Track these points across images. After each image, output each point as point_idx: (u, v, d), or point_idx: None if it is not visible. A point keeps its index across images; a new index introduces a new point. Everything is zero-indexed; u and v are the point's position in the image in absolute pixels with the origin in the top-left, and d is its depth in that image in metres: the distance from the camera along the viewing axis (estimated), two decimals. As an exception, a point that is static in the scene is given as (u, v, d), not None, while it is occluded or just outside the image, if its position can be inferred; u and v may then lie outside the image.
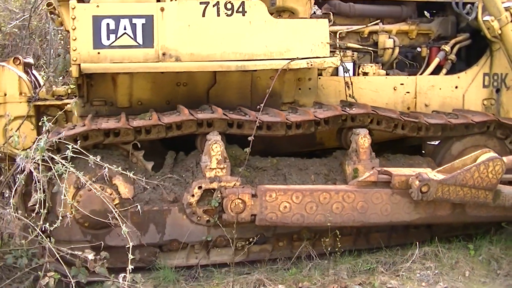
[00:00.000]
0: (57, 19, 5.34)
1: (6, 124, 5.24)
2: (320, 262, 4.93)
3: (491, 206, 4.85)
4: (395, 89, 5.68)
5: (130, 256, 4.03)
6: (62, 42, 5.78)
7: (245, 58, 4.91)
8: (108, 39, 4.78)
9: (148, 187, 4.70)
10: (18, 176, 4.56)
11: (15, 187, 4.49)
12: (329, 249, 4.96)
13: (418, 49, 5.93)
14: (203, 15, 4.85)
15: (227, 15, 4.88)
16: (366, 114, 4.99)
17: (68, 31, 5.21)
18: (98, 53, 4.78)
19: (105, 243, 4.60)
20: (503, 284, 4.60)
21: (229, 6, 4.88)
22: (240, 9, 4.89)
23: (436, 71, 5.84)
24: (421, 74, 5.80)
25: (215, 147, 4.72)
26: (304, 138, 5.34)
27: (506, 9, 5.42)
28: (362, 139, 4.96)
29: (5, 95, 5.27)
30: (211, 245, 4.88)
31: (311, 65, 5.00)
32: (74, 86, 5.54)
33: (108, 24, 4.77)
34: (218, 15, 4.87)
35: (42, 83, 5.69)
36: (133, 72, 4.90)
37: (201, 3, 4.84)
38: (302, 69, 5.18)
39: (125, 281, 4.32)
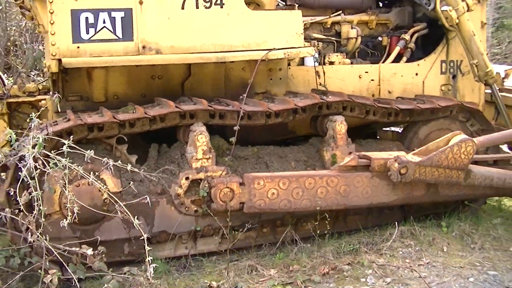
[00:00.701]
0: (28, 14, 5.20)
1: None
2: (304, 246, 5.08)
3: (462, 185, 5.15)
4: (360, 77, 5.90)
5: (147, 248, 4.00)
6: (28, 36, 5.61)
7: (224, 50, 4.97)
8: (88, 33, 4.72)
9: (133, 182, 4.69)
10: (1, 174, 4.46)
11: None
12: (311, 233, 5.14)
13: (379, 38, 6.17)
14: (182, 8, 4.87)
15: (206, 8, 4.92)
16: (342, 102, 5.18)
17: (39, 25, 5.11)
18: (78, 47, 4.70)
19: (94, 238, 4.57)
20: (479, 256, 4.91)
21: (207, -2, 4.94)
22: (218, 1, 4.94)
23: (396, 60, 6.10)
24: (383, 62, 6.05)
25: (200, 138, 4.77)
26: (278, 127, 5.47)
27: (462, -1, 5.77)
28: (339, 126, 5.15)
29: (-25, 94, 5.11)
30: (199, 235, 4.93)
31: (288, 55, 5.14)
32: (45, 83, 5.44)
33: (87, 17, 4.70)
34: (197, 7, 4.90)
35: (5, 81, 5.53)
36: (115, 65, 4.85)
37: (180, -5, 4.88)
38: (273, 59, 5.31)
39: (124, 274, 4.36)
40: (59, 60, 4.68)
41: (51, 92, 5.22)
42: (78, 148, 4.19)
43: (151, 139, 5.14)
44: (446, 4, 5.77)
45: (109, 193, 4.32)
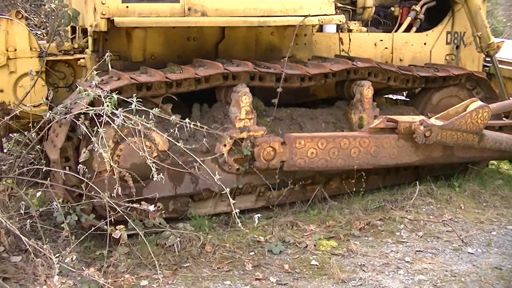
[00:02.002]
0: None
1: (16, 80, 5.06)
2: (333, 204, 5.40)
3: (475, 148, 5.59)
4: (375, 45, 6.21)
5: (232, 201, 4.17)
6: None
7: (265, 14, 5.14)
8: (137, -7, 4.79)
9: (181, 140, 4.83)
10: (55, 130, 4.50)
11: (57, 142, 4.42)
12: (338, 191, 5.50)
13: (392, 8, 6.48)
14: (228, -28, 5.00)
15: (249, -28, 5.07)
16: (371, 68, 5.48)
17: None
18: (127, 7, 4.77)
19: (143, 195, 4.70)
20: (494, 213, 5.38)
21: (250, -37, 5.07)
22: (260, -33, 5.10)
23: (406, 29, 6.43)
24: (395, 31, 6.37)
25: (244, 99, 4.96)
26: (301, 91, 5.71)
27: (472, -25, 6.15)
28: (367, 90, 5.45)
29: (15, 50, 5.03)
30: (238, 193, 5.14)
31: (322, 21, 5.37)
32: (81, 42, 5.43)
33: (137, -23, 4.77)
34: (242, -29, 5.04)
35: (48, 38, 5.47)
36: (163, 26, 4.94)
37: (227, -42, 4.99)
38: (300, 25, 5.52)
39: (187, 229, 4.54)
40: (108, 19, 4.74)
41: (89, 51, 5.24)
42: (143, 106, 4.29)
43: (184, 99, 5.27)
44: (457, -21, 6.15)
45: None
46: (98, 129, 4.16)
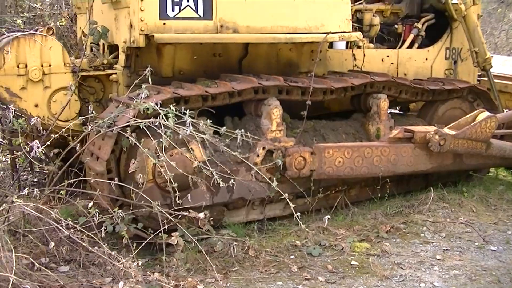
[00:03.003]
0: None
1: (50, 95, 5.20)
2: (354, 210, 5.69)
3: (483, 155, 5.98)
4: (382, 60, 6.58)
5: (291, 205, 4.40)
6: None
7: (290, 32, 5.43)
8: (173, 10, 5.01)
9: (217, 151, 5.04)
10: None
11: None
12: (357, 198, 5.82)
13: (395, 26, 6.88)
14: (258, -9, 5.28)
15: (276, -8, 5.36)
16: (387, 82, 5.83)
17: (113, 2, 5.28)
18: (164, 23, 4.99)
19: (183, 205, 4.88)
20: (504, 215, 5.77)
21: (278, -17, 5.36)
22: (286, -13, 5.40)
23: (408, 46, 6.84)
24: (399, 47, 6.76)
25: (275, 111, 5.23)
26: (316, 104, 6.00)
27: (469, -6, 6.61)
28: (383, 103, 5.80)
29: (50, 66, 5.17)
30: (267, 201, 5.38)
31: (342, 38, 5.70)
32: (111, 57, 5.59)
33: (173, -4, 5.00)
34: (269, -9, 5.33)
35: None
36: (198, 42, 5.18)
37: (256, -21, 5.27)
38: (316, 42, 5.84)
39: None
40: (146, 35, 4.95)
41: (119, 66, 5.42)
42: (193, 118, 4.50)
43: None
44: (455, -2, 6.59)
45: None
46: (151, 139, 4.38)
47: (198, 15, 5.10)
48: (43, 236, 4.71)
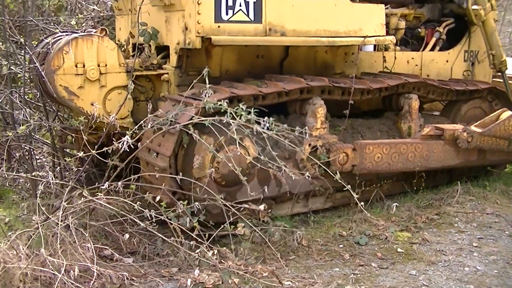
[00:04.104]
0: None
1: (106, 93, 5.47)
2: (389, 203, 6.05)
3: (505, 151, 6.40)
4: (408, 62, 6.96)
5: (355, 196, 4.73)
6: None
7: (332, 35, 5.77)
8: (227, 14, 5.32)
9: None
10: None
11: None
12: (390, 191, 6.19)
13: (419, 29, 7.26)
14: (303, -3, 5.62)
15: (320, -2, 5.71)
16: (418, 83, 6.21)
17: (167, 4, 5.55)
18: (219, 26, 5.29)
19: (235, 199, 5.18)
20: (526, 206, 6.23)
21: (320, -11, 5.70)
22: (328, -7, 5.74)
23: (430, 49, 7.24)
24: (423, 50, 7.15)
25: (320, 110, 5.56)
26: (347, 103, 6.36)
27: (488, 0, 7.02)
28: (414, 102, 6.18)
29: (106, 65, 5.43)
30: (310, 195, 5.71)
31: (378, 42, 6.06)
32: (159, 57, 5.84)
33: (227, 0, 5.30)
34: (313, -3, 5.67)
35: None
36: (250, 44, 5.50)
37: (301, -14, 5.60)
38: (351, 45, 6.19)
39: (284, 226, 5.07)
40: (202, 37, 5.25)
41: (170, 66, 5.70)
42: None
43: None
44: (475, 3, 6.99)
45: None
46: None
47: (249, 18, 5.41)
48: (102, 230, 4.99)
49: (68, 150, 6.62)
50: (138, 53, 5.68)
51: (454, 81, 6.91)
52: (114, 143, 4.75)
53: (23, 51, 6.71)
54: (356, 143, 5.67)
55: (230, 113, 4.65)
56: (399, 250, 5.04)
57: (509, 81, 7.60)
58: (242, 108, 4.62)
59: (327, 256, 4.93)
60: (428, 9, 7.38)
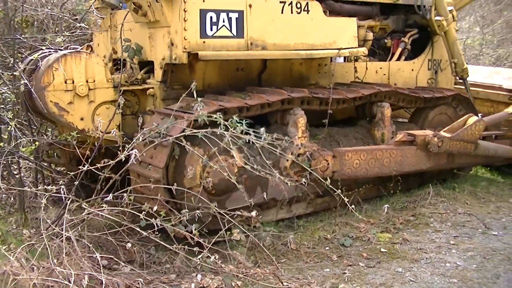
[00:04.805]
0: (140, 12, 5.75)
1: (94, 108, 5.61)
2: (364, 207, 6.36)
3: (472, 154, 6.79)
4: (376, 72, 7.31)
5: (346, 200, 4.98)
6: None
7: (309, 48, 6.05)
8: (211, 30, 5.54)
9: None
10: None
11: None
12: (366, 196, 6.50)
13: (385, 40, 7.62)
14: (282, 12, 5.87)
15: (297, 13, 5.97)
16: (390, 91, 6.55)
17: (151, 21, 5.73)
18: (204, 42, 5.51)
19: (225, 207, 5.39)
20: (494, 206, 6.60)
21: (298, 5, 5.96)
22: (306, 8, 6.01)
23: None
24: (390, 60, 7.51)
25: (301, 120, 5.83)
26: (322, 113, 6.65)
27: (450, 11, 7.44)
28: (387, 110, 6.51)
29: (94, 81, 5.58)
30: (293, 201, 5.96)
31: (351, 53, 6.37)
32: (141, 72, 5.99)
33: (211, 17, 5.52)
34: (292, 12, 5.93)
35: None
36: (233, 58, 5.73)
37: (280, 1, 5.84)
38: (323, 57, 6.50)
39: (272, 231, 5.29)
40: (188, 53, 5.45)
41: (155, 81, 5.87)
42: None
43: None
44: (438, 14, 7.40)
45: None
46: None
47: (232, 34, 5.64)
48: (97, 240, 5.13)
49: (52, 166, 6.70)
50: (124, 69, 5.84)
51: (421, 89, 7.29)
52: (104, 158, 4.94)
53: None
54: (335, 150, 5.95)
55: (224, 124, 4.87)
56: (382, 250, 5.34)
57: (475, 88, 8.10)
58: (236, 120, 4.84)
59: (316, 258, 5.18)
60: (393, 20, 7.75)
